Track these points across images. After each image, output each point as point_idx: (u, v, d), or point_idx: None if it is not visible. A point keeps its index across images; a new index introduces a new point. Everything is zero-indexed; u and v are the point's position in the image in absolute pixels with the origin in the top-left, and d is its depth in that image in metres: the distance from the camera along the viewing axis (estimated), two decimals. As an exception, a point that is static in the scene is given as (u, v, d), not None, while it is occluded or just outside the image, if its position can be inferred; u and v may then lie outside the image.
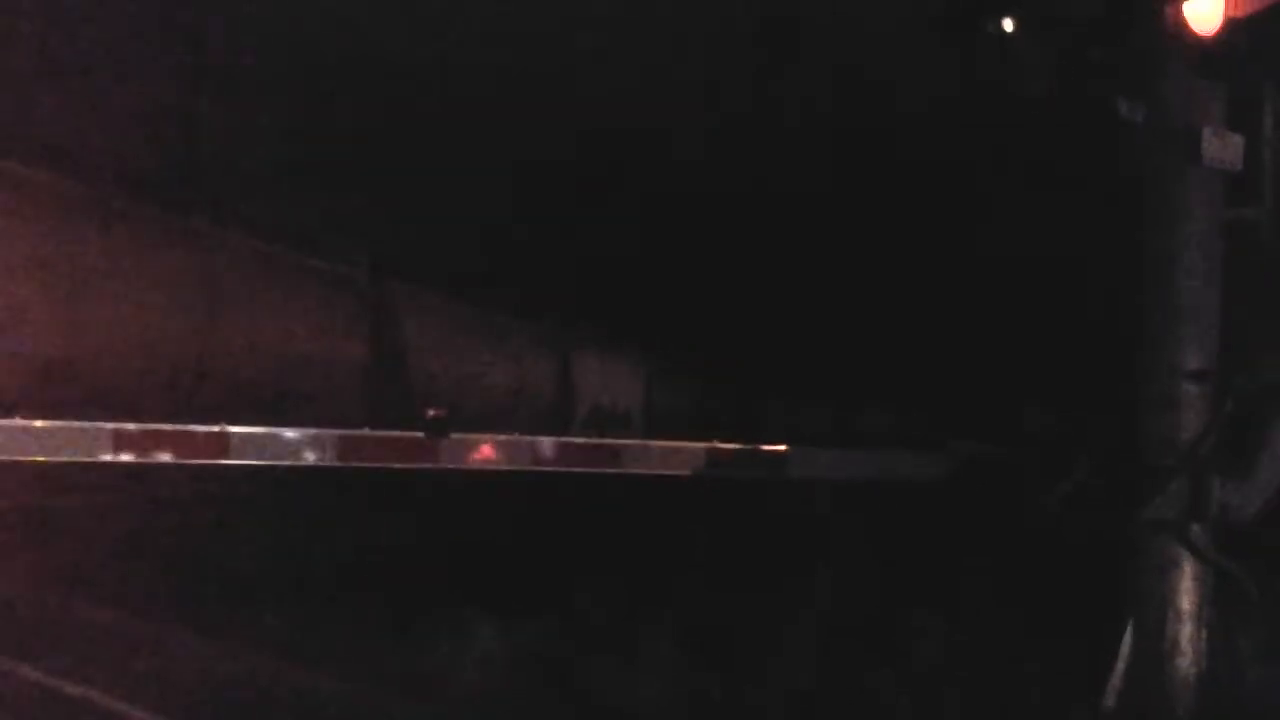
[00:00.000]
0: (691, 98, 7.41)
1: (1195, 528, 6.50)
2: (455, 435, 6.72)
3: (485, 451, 6.78)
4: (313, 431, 6.39)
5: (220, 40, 7.48)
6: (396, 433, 6.68)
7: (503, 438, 6.91)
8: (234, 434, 6.30)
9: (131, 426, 6.13)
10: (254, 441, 6.35)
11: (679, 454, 7.13)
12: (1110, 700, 6.61)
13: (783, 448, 7.30)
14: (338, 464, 6.45)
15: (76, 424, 6.17)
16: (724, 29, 7.13)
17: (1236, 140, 6.40)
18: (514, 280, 7.97)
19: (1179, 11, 6.23)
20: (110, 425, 6.10)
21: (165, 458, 6.19)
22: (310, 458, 6.38)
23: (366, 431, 6.66)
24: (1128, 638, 6.64)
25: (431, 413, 6.65)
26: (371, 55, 7.43)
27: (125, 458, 6.08)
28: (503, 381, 8.71)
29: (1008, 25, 6.69)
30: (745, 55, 7.31)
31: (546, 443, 7.02)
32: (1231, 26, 6.23)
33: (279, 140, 7.70)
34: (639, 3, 7.11)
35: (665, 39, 7.24)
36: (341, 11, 7.24)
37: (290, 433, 6.39)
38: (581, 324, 8.42)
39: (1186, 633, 6.54)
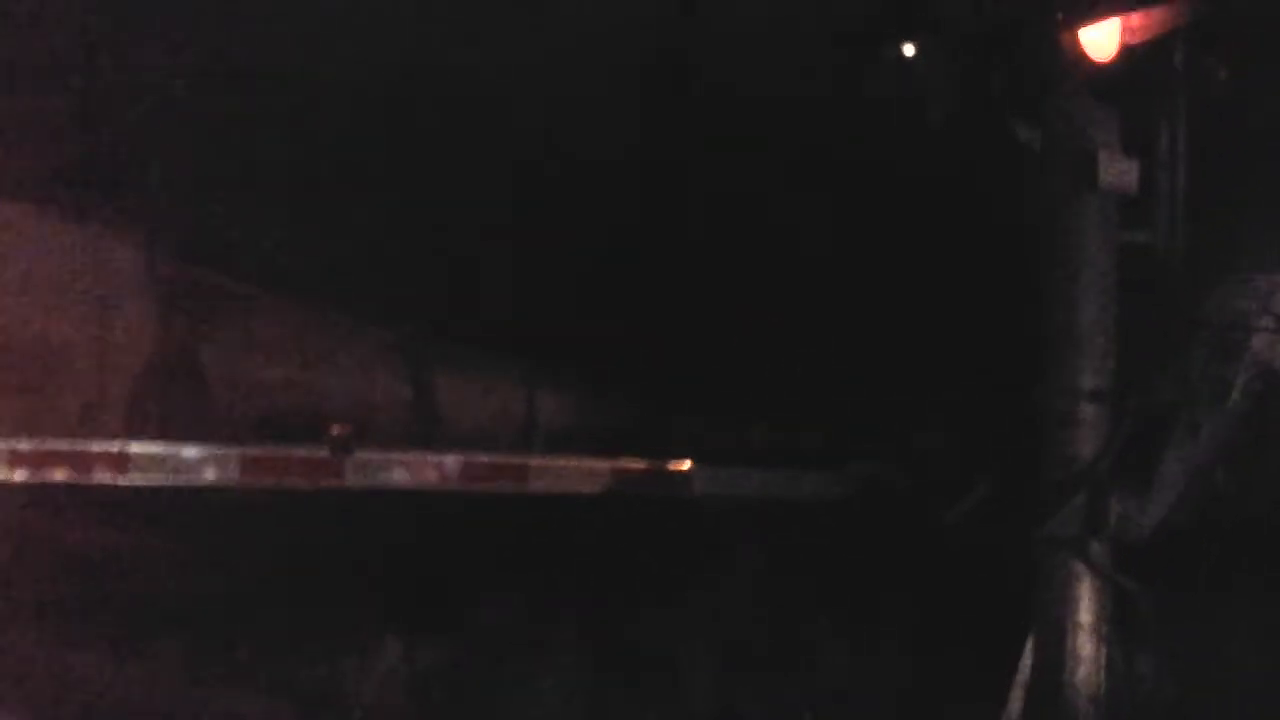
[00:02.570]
0: (593, 103, 7.39)
1: (1093, 544, 6.58)
2: (360, 453, 6.70)
3: (390, 469, 6.76)
4: (215, 449, 6.35)
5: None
6: (300, 450, 6.65)
7: (408, 455, 6.90)
8: (134, 452, 6.25)
9: (26, 445, 6.04)
10: (154, 459, 6.30)
11: (585, 471, 7.15)
12: (1011, 714, 6.67)
13: (686, 466, 7.34)
14: (239, 482, 6.42)
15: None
16: (622, 35, 7.13)
17: (1132, 165, 6.50)
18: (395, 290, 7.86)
19: (1076, 37, 6.32)
20: (3, 444, 6.02)
21: (61, 476, 6.12)
22: (211, 476, 6.34)
23: (269, 449, 6.63)
24: (1027, 653, 6.71)
25: (335, 430, 6.62)
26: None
27: (19, 477, 5.99)
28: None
29: (908, 50, 6.75)
30: (646, 61, 7.31)
31: (451, 460, 7.01)
32: (1127, 53, 6.33)
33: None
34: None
35: (562, 43, 7.23)
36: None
37: (191, 450, 6.35)
38: (474, 339, 8.35)
39: (1085, 648, 6.61)
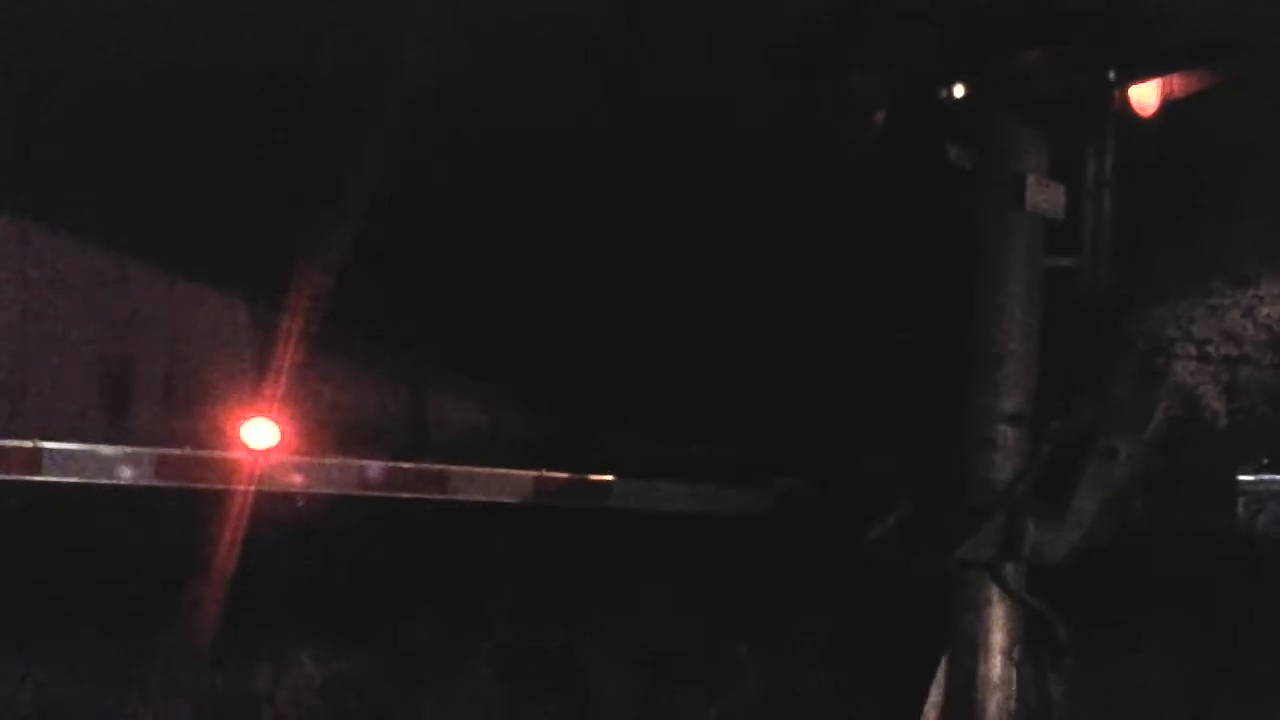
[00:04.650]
0: (534, 117, 7.36)
1: (1008, 567, 6.60)
2: (280, 457, 6.63)
3: (310, 473, 6.70)
4: (130, 449, 6.27)
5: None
6: (217, 453, 6.58)
7: (329, 460, 6.84)
8: (47, 449, 6.17)
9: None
10: (69, 458, 6.22)
11: (506, 481, 7.11)
12: (923, 736, 6.69)
13: (609, 478, 7.32)
14: (155, 483, 6.34)
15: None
16: (560, 61, 7.10)
17: (1059, 189, 6.54)
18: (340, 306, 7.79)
19: (1009, 60, 6.36)
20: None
21: (-23, 474, 6.04)
22: (127, 475, 6.26)
23: (185, 451, 6.56)
24: (941, 674, 6.72)
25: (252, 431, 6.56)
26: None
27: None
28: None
29: (846, 72, 6.77)
30: (586, 78, 7.29)
31: (374, 466, 6.96)
32: (1059, 77, 6.37)
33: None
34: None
35: (504, 77, 7.19)
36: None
37: (107, 450, 6.27)
38: (404, 350, 8.31)
39: (998, 670, 6.62)
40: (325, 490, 6.79)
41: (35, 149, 7.46)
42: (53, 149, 7.54)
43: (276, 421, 6.99)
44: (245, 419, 6.95)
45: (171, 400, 7.98)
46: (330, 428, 7.69)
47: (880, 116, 6.71)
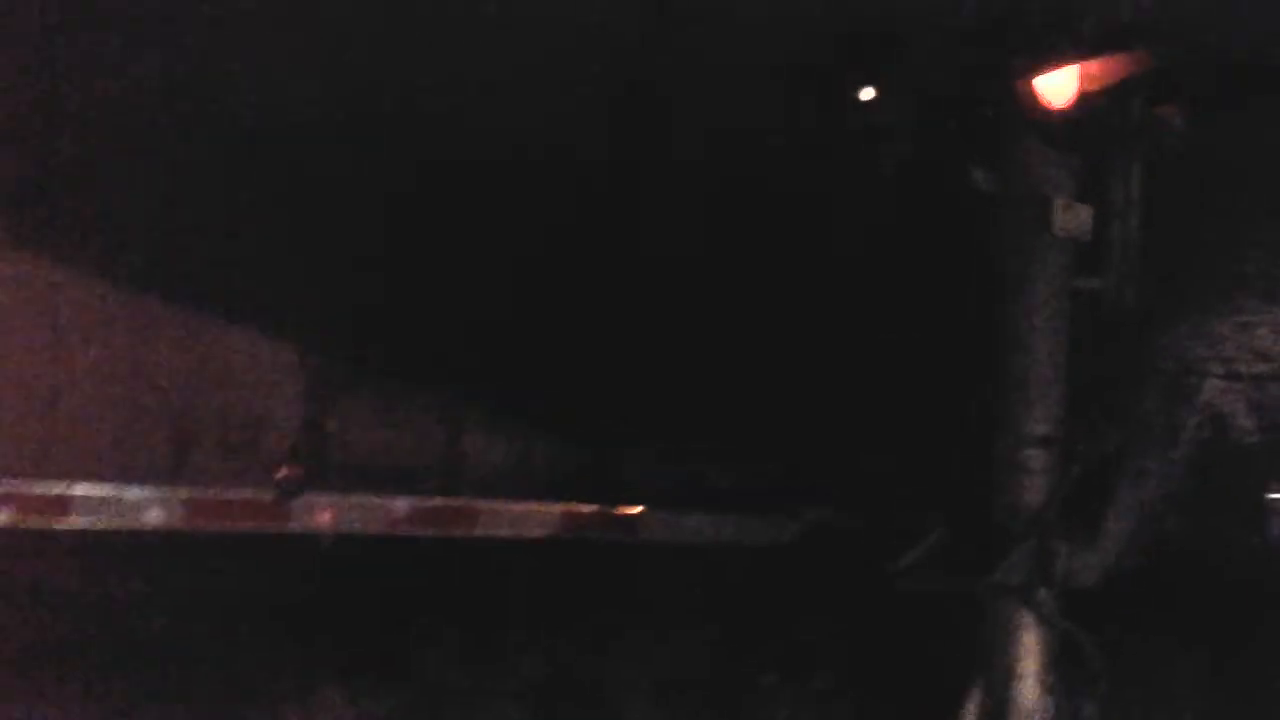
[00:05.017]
0: (542, 139, 7.34)
1: (1040, 592, 6.58)
2: (307, 495, 6.60)
3: (337, 512, 6.66)
4: (158, 491, 6.23)
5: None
6: (245, 493, 6.54)
7: (356, 498, 6.80)
8: (76, 495, 6.13)
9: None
10: (97, 501, 6.18)
11: (534, 515, 7.08)
12: (955, 764, 6.66)
13: (636, 510, 7.30)
14: (183, 526, 6.30)
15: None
16: (587, 65, 7.10)
17: (1085, 211, 6.54)
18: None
19: (1033, 84, 6.36)
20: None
21: (3, 518, 5.99)
22: (155, 518, 6.22)
23: (214, 492, 6.51)
24: (973, 702, 6.69)
25: (283, 472, 6.52)
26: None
27: (-41, 517, 5.86)
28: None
29: (868, 92, 6.77)
30: (599, 109, 7.28)
31: (401, 503, 6.93)
32: (1083, 100, 6.37)
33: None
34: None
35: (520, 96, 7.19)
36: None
37: (135, 491, 6.23)
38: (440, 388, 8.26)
39: (1030, 697, 6.62)
40: (352, 529, 6.74)
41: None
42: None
43: (305, 462, 6.96)
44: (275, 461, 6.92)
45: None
46: (365, 468, 7.68)
47: (903, 140, 6.72)
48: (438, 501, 7.10)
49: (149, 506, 6.26)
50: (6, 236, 6.92)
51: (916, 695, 7.11)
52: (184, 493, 6.33)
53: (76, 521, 6.14)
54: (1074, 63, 6.24)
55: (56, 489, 6.12)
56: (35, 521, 6.12)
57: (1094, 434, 6.65)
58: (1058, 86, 6.31)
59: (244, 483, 6.75)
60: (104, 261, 7.14)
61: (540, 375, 7.94)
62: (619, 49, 7.02)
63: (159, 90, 7.08)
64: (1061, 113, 6.33)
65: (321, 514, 6.63)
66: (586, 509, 7.18)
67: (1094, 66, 6.26)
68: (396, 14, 7.02)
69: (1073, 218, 6.48)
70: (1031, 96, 6.31)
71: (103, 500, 6.19)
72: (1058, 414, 6.62)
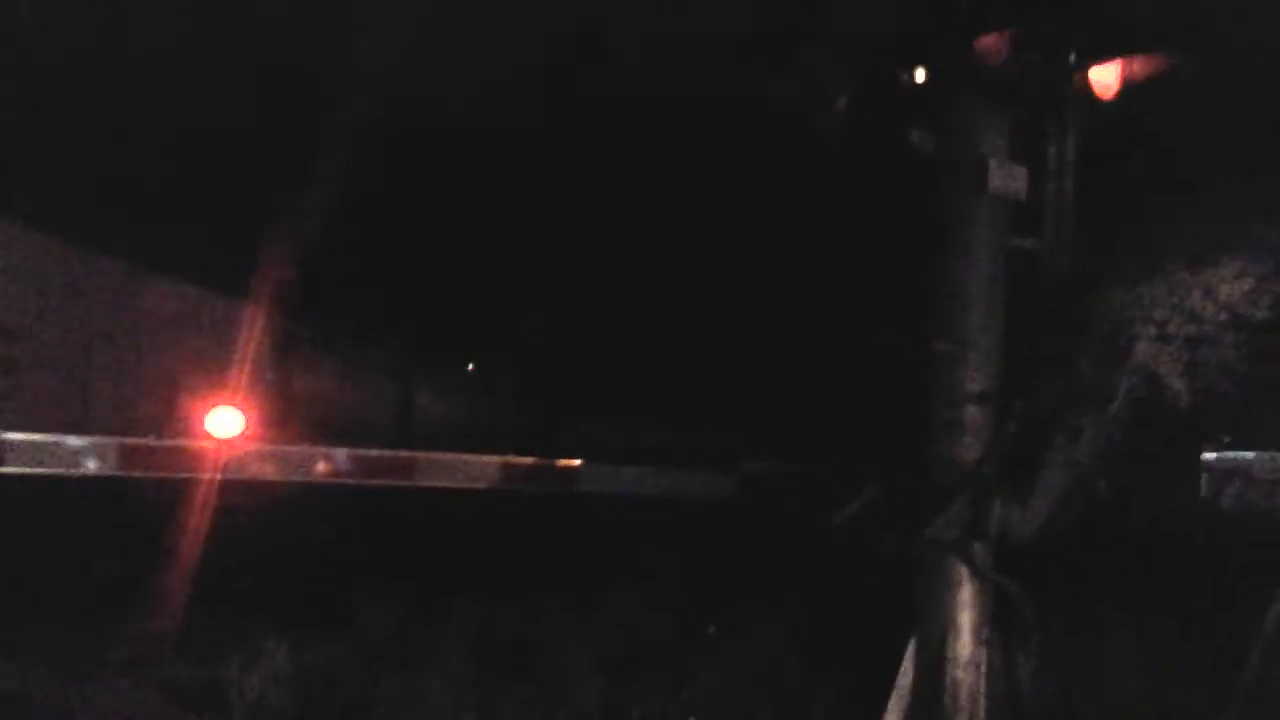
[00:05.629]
0: (492, 107, 7.34)
1: (976, 547, 6.62)
2: (246, 446, 6.61)
3: (274, 462, 6.68)
4: (95, 439, 6.24)
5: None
6: (182, 441, 6.56)
7: (295, 448, 6.82)
8: (12, 440, 6.13)
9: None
10: (35, 448, 6.19)
11: (473, 467, 7.11)
12: (891, 716, 6.70)
13: (576, 463, 7.33)
14: (120, 473, 6.31)
15: None
16: (522, 40, 7.08)
17: (1021, 172, 6.56)
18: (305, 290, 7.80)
19: (970, 44, 6.38)
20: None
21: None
22: (92, 466, 6.23)
23: (150, 440, 6.53)
24: (909, 655, 6.74)
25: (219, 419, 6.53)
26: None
27: (-98, 463, 5.86)
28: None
29: (806, 56, 6.77)
30: (543, 68, 7.27)
31: (340, 454, 6.95)
32: (1020, 59, 6.39)
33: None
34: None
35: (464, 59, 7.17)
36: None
37: (73, 440, 6.24)
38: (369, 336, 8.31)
39: (966, 650, 6.65)
40: (291, 478, 6.76)
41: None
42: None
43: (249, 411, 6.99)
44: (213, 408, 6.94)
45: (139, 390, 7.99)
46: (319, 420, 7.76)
47: (842, 102, 6.72)
48: (376, 451, 7.13)
49: (87, 455, 6.26)
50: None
51: (857, 646, 7.16)
52: (121, 440, 6.33)
53: (11, 469, 6.14)
54: (1012, 26, 6.26)
55: (-8, 436, 6.12)
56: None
57: (1030, 392, 6.68)
58: (993, 47, 6.33)
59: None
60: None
61: (488, 337, 8.00)
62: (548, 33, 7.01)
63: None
64: (996, 72, 6.35)
65: (260, 462, 6.64)
66: (526, 461, 7.21)
67: (1029, 27, 6.28)
68: None
69: (1008, 178, 6.49)
70: (967, 57, 6.33)
71: (40, 446, 6.19)
72: (994, 372, 6.65)
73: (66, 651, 7.28)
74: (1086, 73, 6.51)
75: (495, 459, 7.15)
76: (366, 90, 7.15)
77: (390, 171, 7.57)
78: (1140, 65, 6.50)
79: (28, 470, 6.18)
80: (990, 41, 6.37)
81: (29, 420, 6.61)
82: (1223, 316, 7.38)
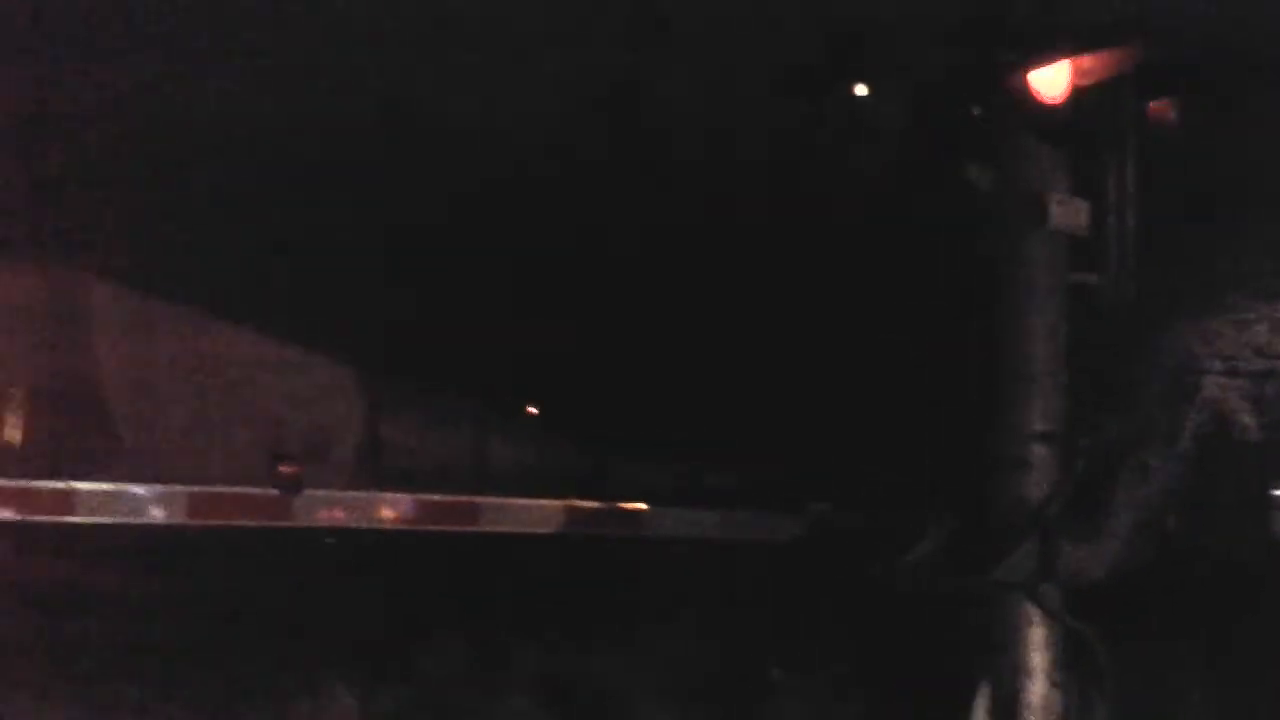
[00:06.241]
0: (541, 147, 7.38)
1: (1045, 588, 6.56)
2: (308, 492, 6.64)
3: (340, 509, 6.71)
4: (161, 488, 6.29)
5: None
6: (248, 489, 6.59)
7: (358, 494, 6.85)
8: (80, 490, 6.19)
9: (-30, 481, 5.98)
10: (101, 498, 6.24)
11: (537, 511, 7.11)
12: (964, 761, 6.64)
13: (640, 506, 7.32)
14: (186, 521, 6.35)
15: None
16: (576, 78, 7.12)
17: (1082, 206, 6.52)
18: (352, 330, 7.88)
19: (1026, 79, 6.35)
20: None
21: (7, 515, 6.05)
22: (159, 515, 6.27)
23: (217, 488, 6.57)
24: (981, 698, 6.68)
25: (283, 469, 6.56)
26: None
27: (-36, 514, 5.92)
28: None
29: (859, 90, 6.76)
30: (593, 112, 7.30)
31: (404, 500, 6.96)
32: (1078, 94, 6.36)
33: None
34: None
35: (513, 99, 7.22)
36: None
37: (138, 489, 6.28)
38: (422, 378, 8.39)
39: (1040, 692, 6.59)
40: (356, 525, 6.79)
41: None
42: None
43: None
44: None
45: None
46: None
47: (892, 138, 6.71)
48: (440, 497, 7.14)
49: (153, 504, 6.31)
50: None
51: (925, 690, 7.10)
52: (188, 489, 6.38)
53: (80, 517, 6.20)
54: (1064, 58, 6.22)
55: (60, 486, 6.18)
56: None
57: (1096, 430, 6.62)
58: (1050, 81, 6.30)
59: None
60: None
61: (554, 387, 8.03)
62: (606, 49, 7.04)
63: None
64: (1054, 108, 6.32)
65: (326, 510, 6.67)
66: (590, 504, 7.21)
67: (1086, 61, 6.25)
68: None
69: (1068, 212, 6.46)
70: (1024, 92, 6.30)
71: (106, 496, 6.25)
72: (1058, 410, 6.60)
73: (134, 700, 7.32)
74: (1145, 104, 6.47)
75: (558, 503, 7.15)
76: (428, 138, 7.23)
77: (456, 218, 7.65)
78: (1202, 96, 6.46)
79: (96, 520, 6.24)
80: (1048, 74, 6.34)
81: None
82: (1291, 351, 7.29)
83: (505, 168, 7.35)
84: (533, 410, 8.73)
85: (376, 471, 8.33)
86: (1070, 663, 6.64)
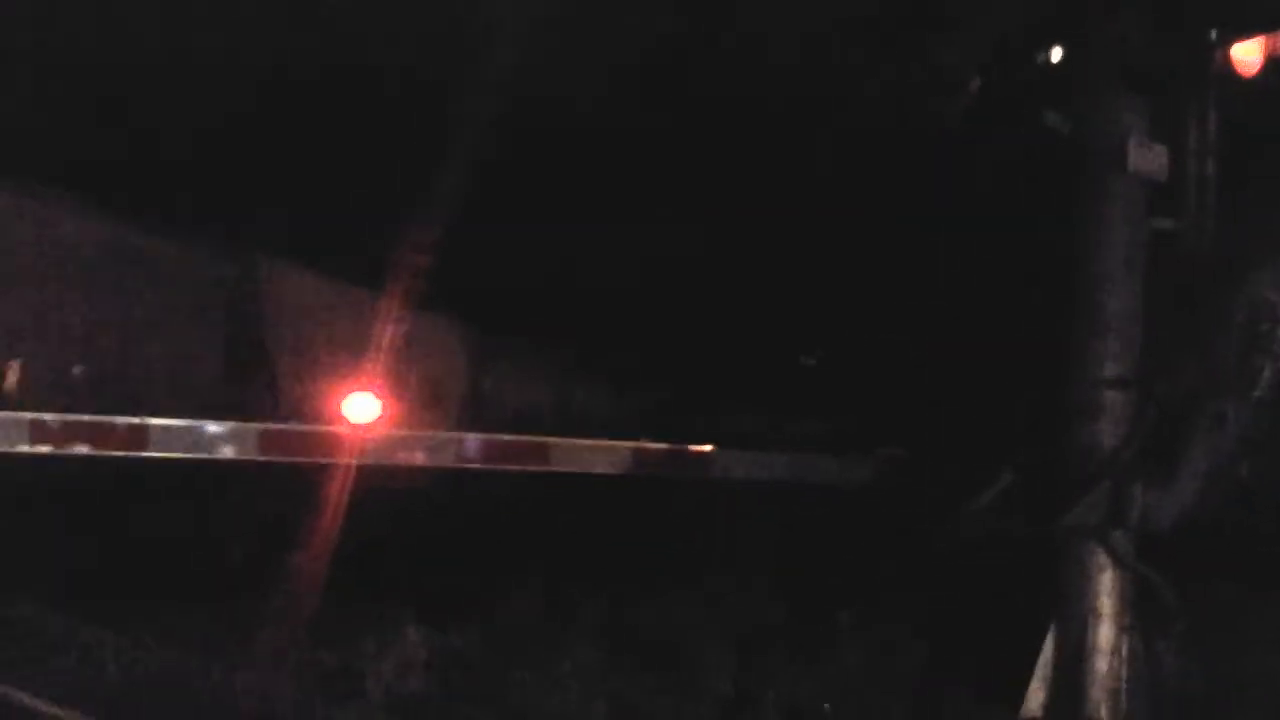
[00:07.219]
0: (618, 101, 7.35)
1: (1117, 534, 6.53)
2: (380, 431, 6.66)
3: (410, 448, 6.72)
4: (233, 425, 6.32)
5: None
6: (318, 427, 6.62)
7: (428, 434, 6.86)
8: (153, 426, 6.22)
9: (49, 417, 6.03)
10: (173, 434, 6.28)
11: (605, 453, 7.11)
12: (1031, 704, 6.63)
13: (708, 449, 7.31)
14: (258, 458, 6.38)
15: (-9, 415, 6.09)
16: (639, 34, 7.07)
17: (1161, 151, 6.44)
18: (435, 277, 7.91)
19: (1108, 22, 6.27)
20: (28, 416, 6.02)
21: (83, 450, 6.10)
22: (230, 452, 6.30)
23: (288, 425, 6.61)
24: (1049, 642, 6.66)
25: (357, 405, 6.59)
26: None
27: (43, 449, 5.98)
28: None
29: (931, 43, 6.69)
30: (666, 60, 7.25)
31: (472, 440, 6.98)
32: (1158, 40, 6.29)
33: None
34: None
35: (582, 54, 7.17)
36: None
37: (211, 426, 6.32)
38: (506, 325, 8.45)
39: (1106, 637, 6.57)
40: (424, 464, 6.81)
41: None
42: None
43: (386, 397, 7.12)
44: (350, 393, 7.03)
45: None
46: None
47: (971, 88, 6.64)
48: (509, 437, 7.15)
49: (226, 439, 6.34)
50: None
51: (992, 633, 7.09)
52: (259, 426, 6.41)
53: (152, 454, 6.25)
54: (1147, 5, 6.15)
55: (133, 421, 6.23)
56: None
57: (1170, 377, 6.57)
58: (1133, 25, 6.22)
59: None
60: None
61: (631, 333, 8.06)
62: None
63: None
64: (1137, 51, 6.24)
65: (394, 449, 6.69)
66: (658, 446, 7.19)
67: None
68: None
69: (1147, 157, 6.38)
70: (1106, 36, 6.22)
71: (179, 432, 6.29)
72: (1134, 356, 6.55)
73: (208, 635, 7.41)
74: (1228, 50, 6.37)
75: (628, 444, 7.13)
76: (495, 92, 7.20)
77: (521, 167, 7.65)
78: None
79: (168, 455, 6.28)
80: (1130, 20, 6.26)
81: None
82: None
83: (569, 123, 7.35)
84: (614, 362, 8.80)
85: (479, 417, 8.37)
86: (1140, 608, 6.61)
